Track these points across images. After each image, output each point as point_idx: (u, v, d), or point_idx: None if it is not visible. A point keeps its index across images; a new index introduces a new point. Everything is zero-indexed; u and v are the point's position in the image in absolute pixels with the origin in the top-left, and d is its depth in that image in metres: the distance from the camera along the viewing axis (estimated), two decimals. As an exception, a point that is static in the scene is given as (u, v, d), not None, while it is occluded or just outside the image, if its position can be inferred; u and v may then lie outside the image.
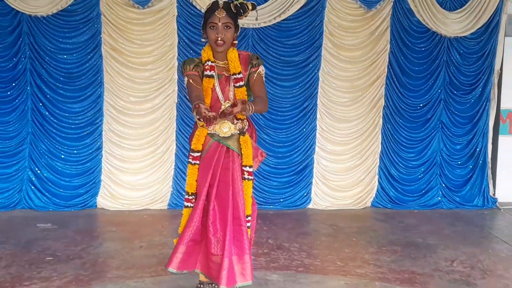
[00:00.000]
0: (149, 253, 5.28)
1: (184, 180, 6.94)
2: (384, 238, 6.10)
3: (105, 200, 7.18)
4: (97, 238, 5.92)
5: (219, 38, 3.45)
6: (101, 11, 6.92)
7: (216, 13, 3.44)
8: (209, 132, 3.62)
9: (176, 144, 7.27)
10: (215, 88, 3.60)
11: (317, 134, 7.51)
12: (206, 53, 3.63)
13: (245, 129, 3.64)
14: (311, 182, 7.55)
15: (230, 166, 3.60)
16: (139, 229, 6.24)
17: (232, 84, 3.59)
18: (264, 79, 3.72)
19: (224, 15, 3.44)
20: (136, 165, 7.27)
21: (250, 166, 3.66)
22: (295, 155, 7.48)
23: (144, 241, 5.70)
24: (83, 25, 6.96)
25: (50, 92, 7.00)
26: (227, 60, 3.61)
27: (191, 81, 3.56)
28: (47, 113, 7.03)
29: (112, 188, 7.20)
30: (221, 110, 3.45)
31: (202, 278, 3.88)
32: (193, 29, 7.05)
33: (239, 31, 3.63)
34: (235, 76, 3.57)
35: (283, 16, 7.07)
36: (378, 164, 7.67)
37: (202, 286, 3.90)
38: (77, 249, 5.38)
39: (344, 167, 7.62)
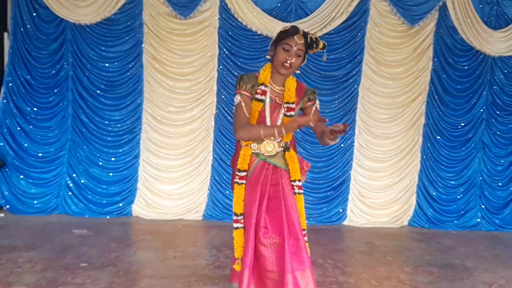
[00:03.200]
0: (183, 264, 5.26)
1: (220, 191, 7.05)
2: (420, 258, 5.97)
3: (140, 208, 7.22)
4: (131, 246, 5.92)
5: (288, 61, 3.40)
6: (143, 21, 7.00)
7: (295, 37, 3.38)
8: (253, 151, 3.58)
9: (213, 155, 7.28)
10: (264, 112, 3.56)
11: (354, 150, 7.46)
12: (264, 74, 3.57)
13: (288, 145, 3.60)
14: (347, 199, 7.47)
15: (279, 181, 3.55)
16: (173, 239, 6.23)
17: (282, 111, 3.56)
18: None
19: (302, 42, 3.39)
20: (173, 174, 7.29)
21: (299, 180, 3.62)
22: (332, 171, 7.41)
23: (178, 251, 5.69)
24: (125, 35, 7.05)
25: (90, 99, 7.09)
26: (283, 87, 3.57)
27: (242, 104, 3.48)
28: (87, 120, 7.11)
29: (148, 197, 7.23)
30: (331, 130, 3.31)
31: None
32: (234, 41, 7.07)
33: (305, 63, 3.55)
34: (288, 105, 3.53)
35: (325, 31, 7.06)
36: (416, 182, 7.56)
37: None
38: (112, 257, 5.39)
39: (382, 185, 7.53)
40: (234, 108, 3.53)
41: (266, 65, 3.59)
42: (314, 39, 3.46)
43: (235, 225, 3.60)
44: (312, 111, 3.54)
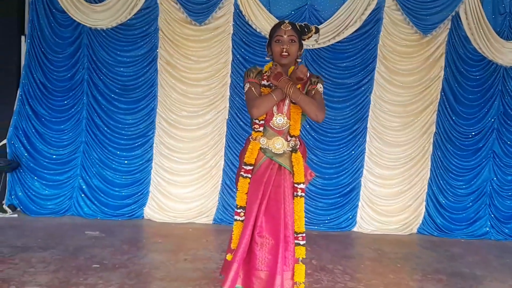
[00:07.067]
0: (193, 267, 5.31)
1: (231, 196, 7.09)
2: (429, 266, 5.99)
3: (152, 211, 7.28)
4: (143, 249, 5.97)
5: (284, 50, 3.50)
6: (159, 26, 7.08)
7: (282, 27, 3.52)
8: (261, 147, 3.63)
9: (225, 160, 7.33)
10: None
11: (365, 157, 7.49)
12: (268, 66, 3.68)
13: (297, 147, 3.65)
14: (357, 205, 7.50)
15: (282, 184, 3.60)
16: (184, 242, 6.29)
17: (288, 99, 3.61)
18: (323, 96, 3.67)
19: (289, 28, 3.51)
20: (184, 178, 7.35)
21: (303, 183, 3.63)
22: (343, 177, 7.45)
23: (188, 254, 5.74)
24: (141, 39, 7.12)
25: (105, 103, 7.17)
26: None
27: (252, 88, 3.59)
28: (101, 123, 7.18)
29: (160, 200, 7.30)
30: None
31: None
32: (247, 47, 7.14)
33: (303, 50, 3.67)
34: None
35: (338, 38, 7.11)
36: (426, 190, 7.58)
37: None
38: (123, 258, 5.44)
39: (392, 192, 7.56)
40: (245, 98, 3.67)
41: (268, 64, 3.71)
42: (303, 25, 3.62)
43: (236, 217, 3.67)
44: (312, 93, 3.60)
